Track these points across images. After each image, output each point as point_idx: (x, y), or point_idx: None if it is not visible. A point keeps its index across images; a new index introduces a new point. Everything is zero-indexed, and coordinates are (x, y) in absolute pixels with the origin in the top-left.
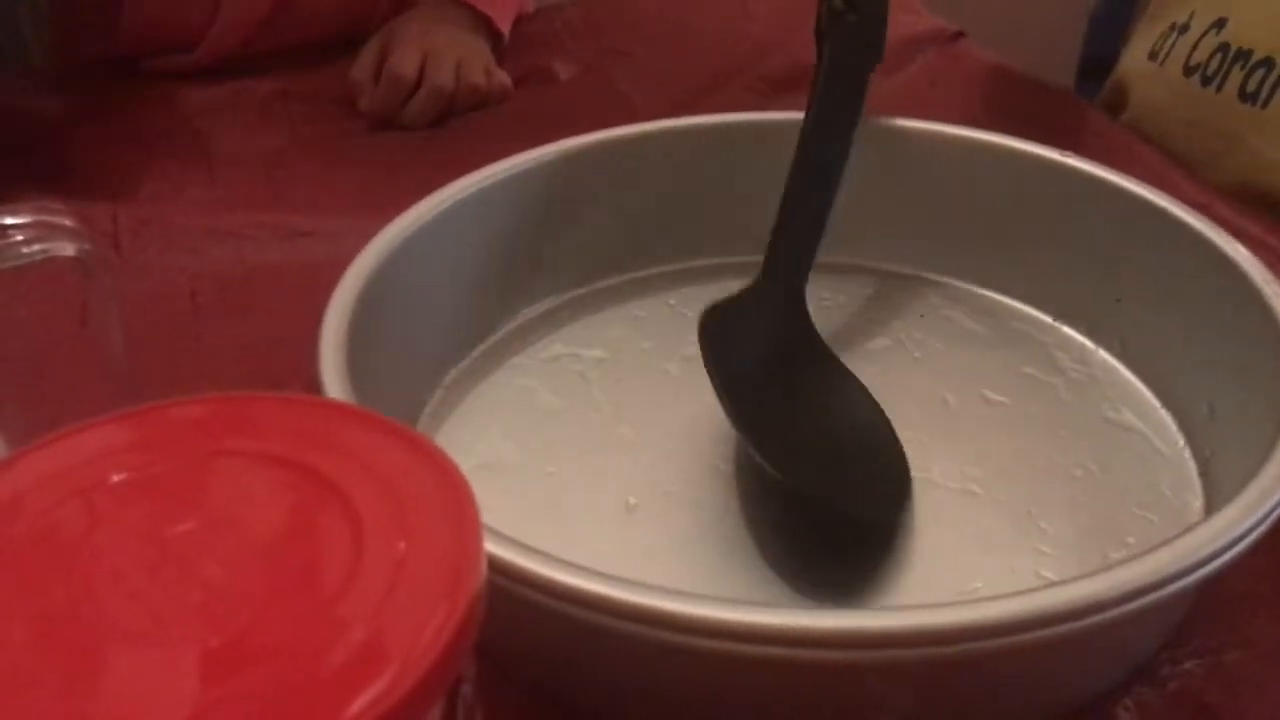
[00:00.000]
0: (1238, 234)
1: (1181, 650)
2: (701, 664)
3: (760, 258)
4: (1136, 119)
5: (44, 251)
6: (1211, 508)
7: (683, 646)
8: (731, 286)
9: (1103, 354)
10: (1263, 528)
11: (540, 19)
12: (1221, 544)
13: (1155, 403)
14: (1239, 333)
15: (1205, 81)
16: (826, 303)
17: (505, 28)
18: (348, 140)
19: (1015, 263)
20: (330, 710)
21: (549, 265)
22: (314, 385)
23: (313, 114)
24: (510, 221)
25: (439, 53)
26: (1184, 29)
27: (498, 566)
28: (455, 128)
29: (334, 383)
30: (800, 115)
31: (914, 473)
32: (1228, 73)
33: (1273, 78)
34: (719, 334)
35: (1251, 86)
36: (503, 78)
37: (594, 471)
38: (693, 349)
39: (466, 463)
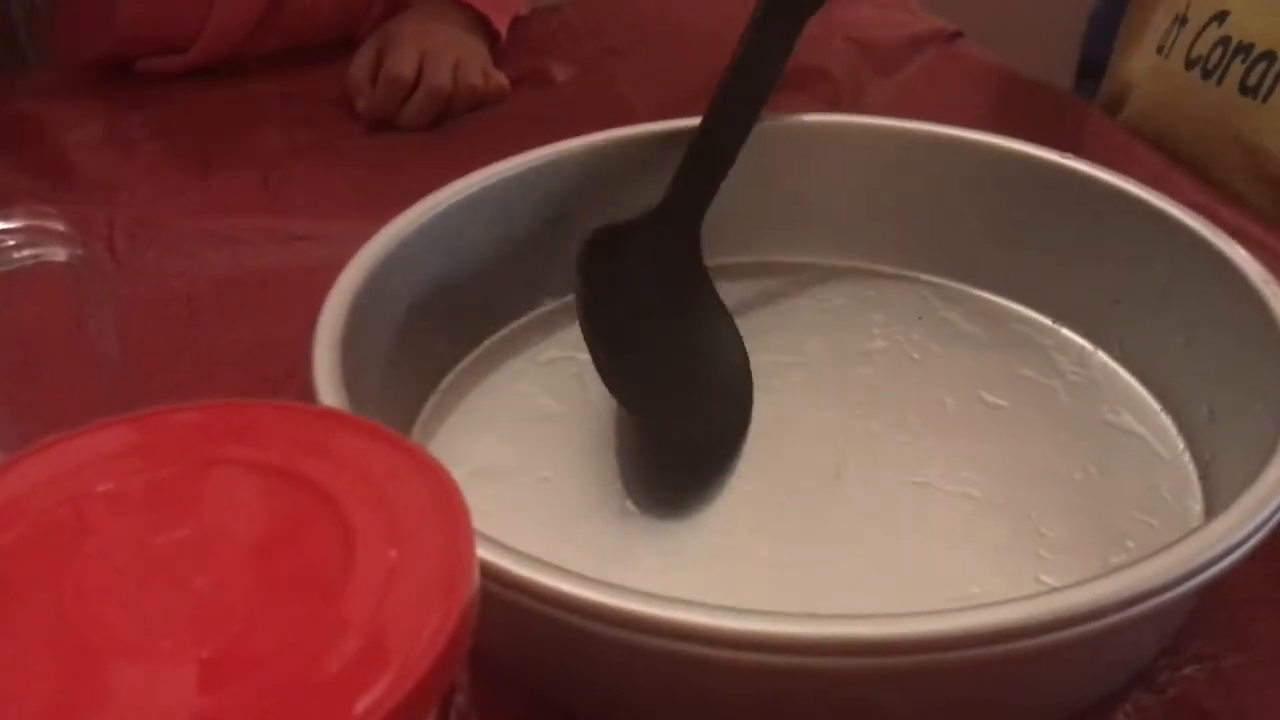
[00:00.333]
0: (1238, 234)
1: (1181, 656)
2: (698, 671)
3: (756, 259)
4: (1138, 113)
5: (36, 257)
6: (1212, 511)
7: (678, 654)
8: (726, 288)
9: (1102, 356)
10: (1262, 533)
11: (537, 20)
12: (1221, 549)
13: (1155, 406)
14: (1238, 335)
15: (1206, 74)
16: (824, 305)
17: (503, 28)
18: (344, 142)
19: (1014, 265)
20: (323, 719)
21: (545, 268)
22: (309, 390)
23: (309, 116)
24: (506, 225)
25: (437, 53)
26: (1184, 21)
27: (493, 573)
28: (452, 129)
29: (328, 389)
30: (799, 117)
31: (913, 477)
32: (1228, 66)
33: (1274, 71)
34: (600, 261)
35: (1253, 80)
36: (500, 79)
37: (590, 476)
38: None
39: (462, 467)
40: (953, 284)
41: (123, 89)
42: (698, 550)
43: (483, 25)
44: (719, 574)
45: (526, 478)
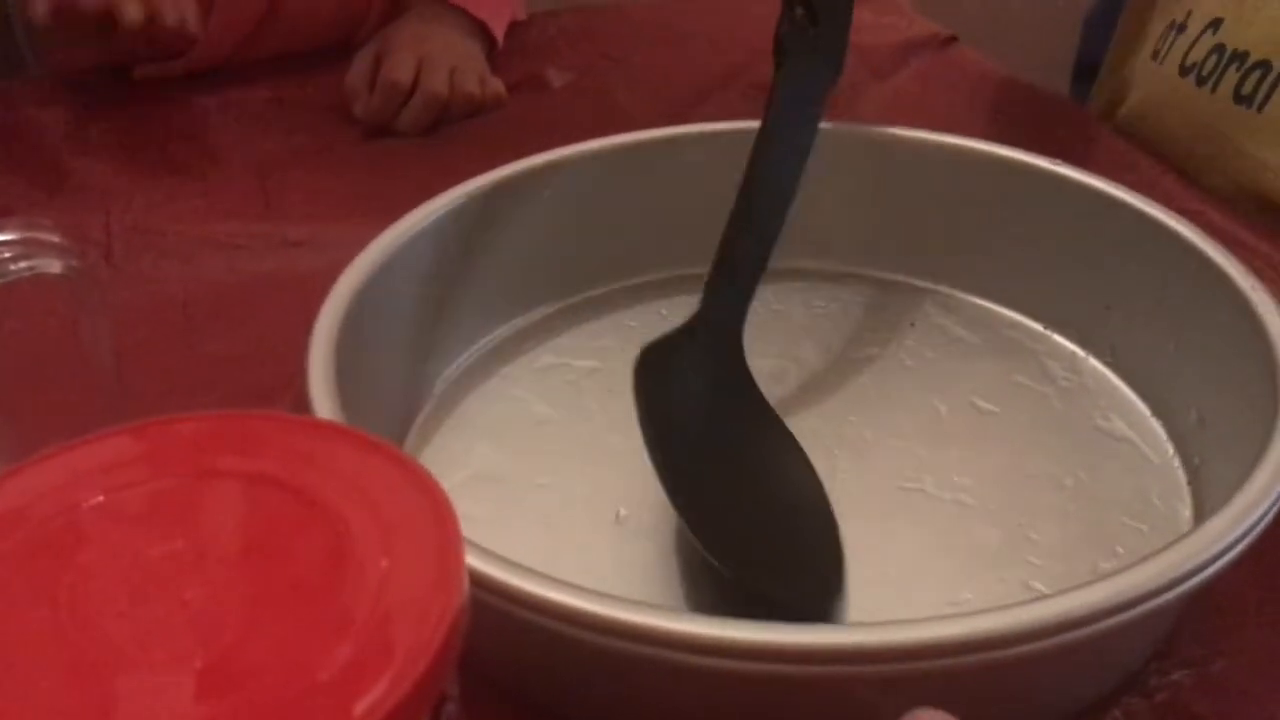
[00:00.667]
0: (1230, 240)
1: (1170, 660)
2: (690, 680)
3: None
4: (1134, 116)
5: (31, 269)
6: (1201, 516)
7: (670, 662)
8: None
9: (1093, 362)
10: (1250, 538)
11: (534, 25)
12: (1209, 555)
13: (1145, 411)
14: (1228, 341)
15: (1200, 81)
16: (818, 310)
17: (500, 34)
18: (341, 148)
19: (1006, 271)
20: None
21: (540, 274)
22: (304, 398)
23: (306, 122)
24: (501, 231)
25: (434, 59)
26: (1181, 28)
27: (484, 582)
28: (448, 135)
29: (322, 398)
30: None
31: (905, 484)
32: (1223, 73)
33: (1269, 80)
34: (653, 384)
35: (1247, 89)
36: (497, 85)
37: (584, 483)
38: None
39: (457, 474)
40: (945, 290)
41: (120, 95)
42: (689, 557)
43: (480, 31)
44: (709, 580)
45: (521, 484)
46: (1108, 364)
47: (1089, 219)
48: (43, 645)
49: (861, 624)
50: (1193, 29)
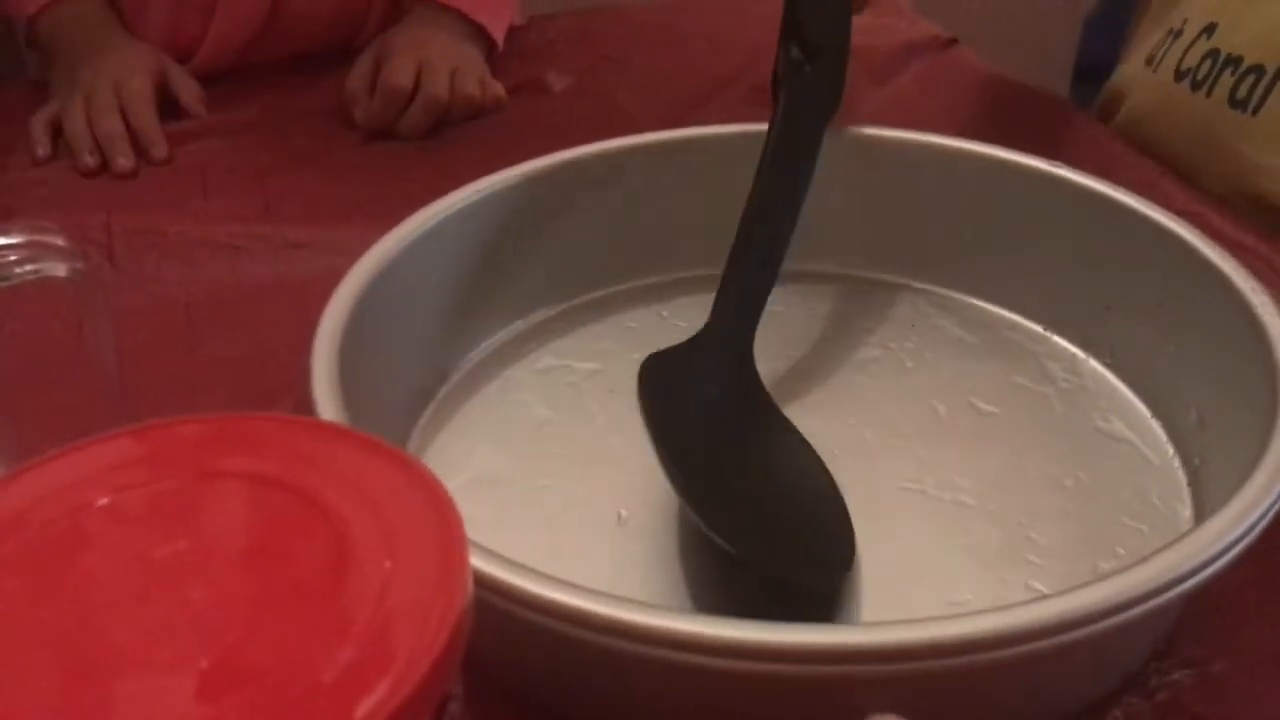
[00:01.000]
0: (1229, 242)
1: (1170, 660)
2: (692, 680)
3: None
4: (1131, 121)
5: (36, 271)
6: (1201, 517)
7: (673, 662)
8: None
9: (1093, 363)
10: (1250, 538)
11: (534, 28)
12: (1209, 555)
13: (1145, 412)
14: (1227, 342)
15: (1195, 86)
16: (817, 312)
17: (499, 36)
18: (342, 152)
19: (1006, 272)
20: None
21: (541, 277)
22: (306, 400)
23: (307, 126)
24: (502, 234)
25: (434, 63)
26: (1178, 34)
27: (488, 584)
28: (449, 139)
29: (326, 400)
30: None
31: (906, 485)
32: (1217, 78)
33: (1262, 85)
34: (659, 388)
35: (1242, 93)
36: (497, 88)
37: (586, 484)
38: None
39: (459, 476)
40: (945, 291)
41: None
42: (690, 557)
43: (480, 34)
44: (710, 581)
45: (523, 487)
46: (1107, 365)
47: (1089, 221)
48: (46, 646)
49: (863, 624)
50: (1187, 34)
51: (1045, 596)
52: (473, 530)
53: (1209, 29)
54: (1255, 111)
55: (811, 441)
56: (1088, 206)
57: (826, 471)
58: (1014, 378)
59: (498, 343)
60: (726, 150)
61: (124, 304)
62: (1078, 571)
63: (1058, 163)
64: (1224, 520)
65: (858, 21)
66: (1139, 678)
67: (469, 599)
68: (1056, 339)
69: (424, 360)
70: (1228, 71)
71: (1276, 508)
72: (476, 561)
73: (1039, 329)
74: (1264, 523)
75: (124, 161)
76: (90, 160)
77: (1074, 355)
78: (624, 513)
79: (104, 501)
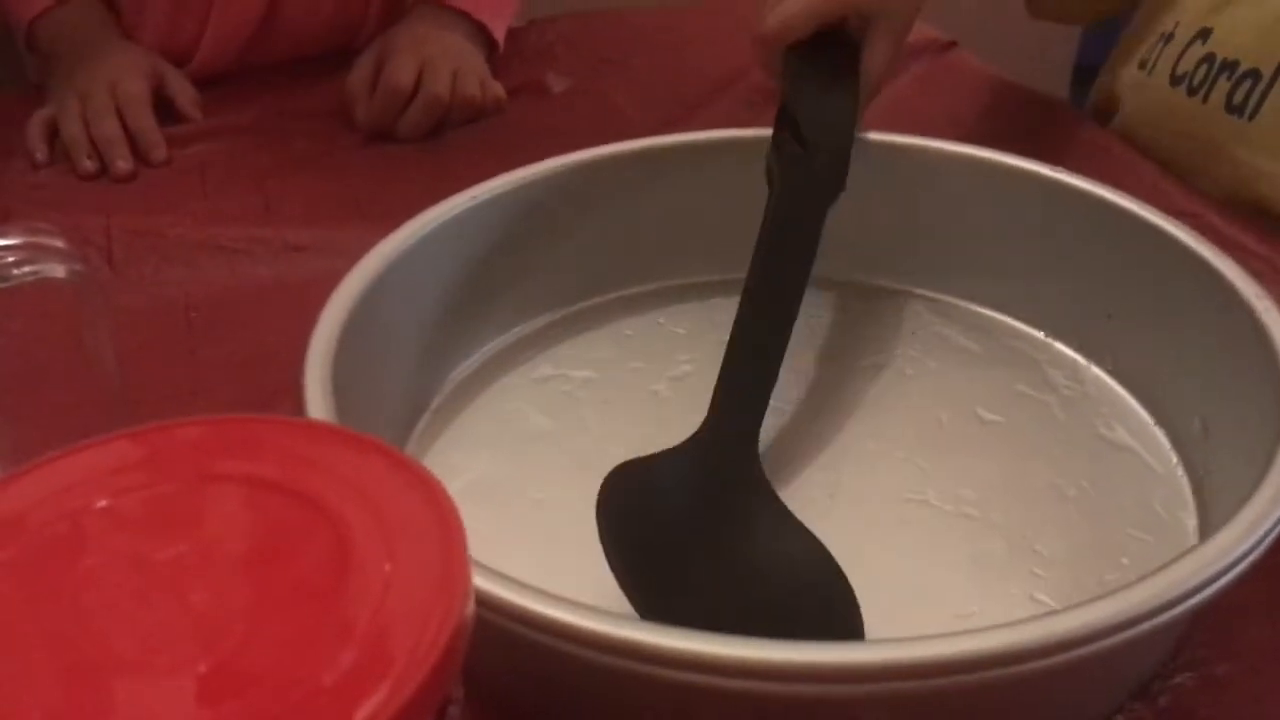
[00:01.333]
0: (1230, 244)
1: (1173, 664)
2: (692, 698)
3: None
4: (1127, 127)
5: (35, 273)
6: (1206, 526)
7: (672, 681)
8: (721, 304)
9: (1095, 370)
10: (1259, 551)
11: (534, 31)
12: (1217, 569)
13: (1148, 419)
14: (1231, 349)
15: (1192, 91)
16: (817, 320)
17: (500, 36)
18: (341, 154)
19: (1007, 278)
20: None
21: (538, 284)
22: (300, 408)
23: (306, 128)
24: (497, 241)
25: (435, 63)
26: (1169, 38)
27: (481, 599)
28: (448, 141)
29: (319, 407)
30: None
31: (909, 495)
32: (1214, 83)
33: (1259, 89)
34: (635, 506)
35: (1238, 98)
36: (497, 89)
37: (583, 495)
38: (683, 369)
39: (454, 485)
40: (946, 298)
41: None
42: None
43: (481, 34)
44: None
45: (519, 498)
46: (1110, 372)
47: (1090, 226)
48: (45, 650)
49: (870, 641)
50: (1180, 39)
51: (1052, 612)
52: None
53: (1203, 34)
54: (1252, 116)
55: (812, 451)
56: (1089, 212)
57: (839, 575)
58: (1016, 385)
59: (494, 350)
60: (726, 156)
61: (123, 306)
62: (1083, 583)
63: (1059, 168)
64: (1231, 535)
65: None
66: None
67: (470, 601)
68: (1058, 346)
69: (420, 367)
70: (1224, 76)
71: None
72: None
73: (1040, 336)
74: (1273, 535)
75: (123, 164)
76: (89, 164)
77: (1076, 362)
78: None
79: (103, 504)
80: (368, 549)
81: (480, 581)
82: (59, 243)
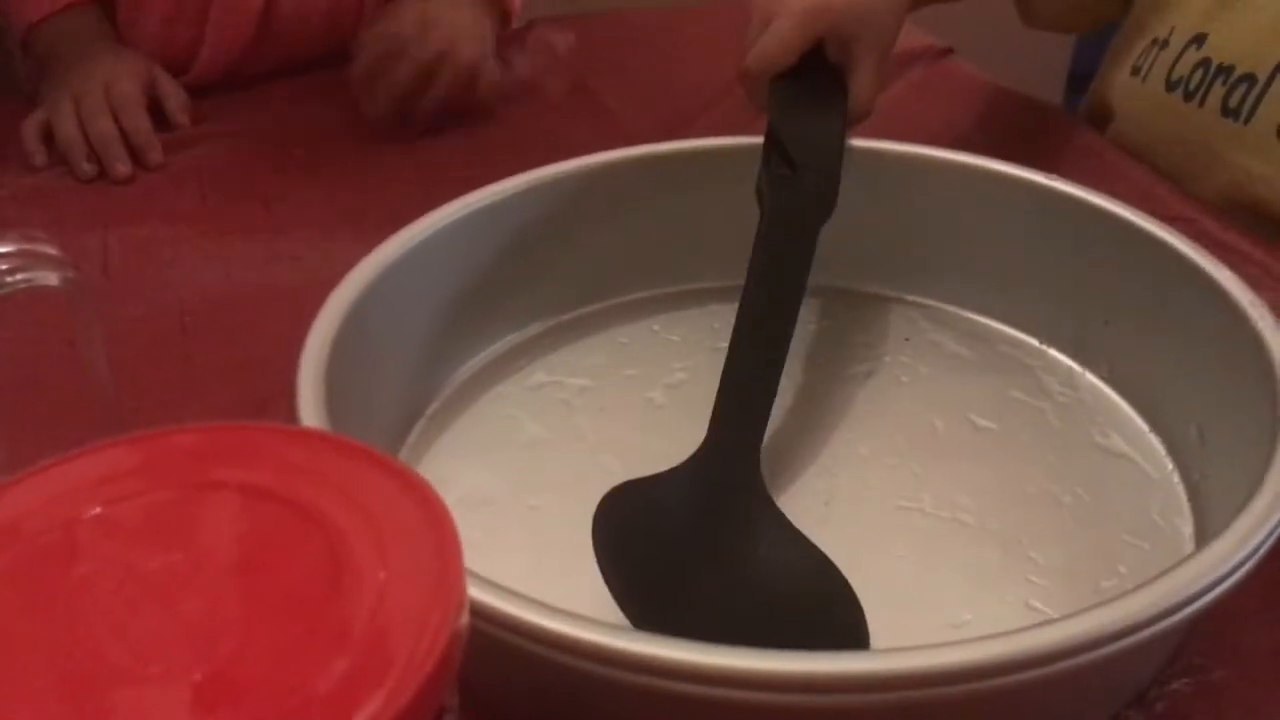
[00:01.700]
0: (1224, 249)
1: (1169, 670)
2: (689, 708)
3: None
4: (1122, 133)
5: (28, 281)
6: (1202, 533)
7: (669, 691)
8: (716, 310)
9: (1090, 377)
10: (1255, 558)
11: (532, 35)
12: (1214, 577)
13: (1144, 426)
14: (1226, 356)
15: (1187, 97)
16: (810, 327)
17: (514, 4)
18: (338, 160)
19: (1002, 285)
20: None
21: (532, 291)
22: (293, 417)
23: (303, 135)
24: (492, 248)
25: (435, 20)
26: (1164, 44)
27: (475, 609)
28: (444, 145)
29: (312, 415)
30: None
31: (903, 502)
32: (1209, 87)
33: (1254, 93)
34: (633, 526)
35: (1234, 102)
36: (491, 73)
37: (578, 504)
38: (678, 376)
39: (448, 495)
40: (940, 305)
41: None
42: None
43: (494, 4)
44: None
45: (514, 506)
46: (1105, 379)
47: (1085, 233)
48: (39, 659)
49: (869, 652)
50: (1175, 44)
51: (1050, 621)
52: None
53: (1198, 39)
54: (1248, 120)
55: (807, 458)
56: (1083, 218)
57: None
58: (1011, 392)
59: (488, 358)
60: (721, 163)
61: (118, 312)
62: (1079, 591)
63: (1053, 175)
64: (1229, 540)
65: None
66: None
67: (464, 610)
68: (1053, 353)
69: (414, 375)
70: (1219, 81)
71: None
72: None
73: (1035, 343)
74: (1270, 542)
75: (121, 167)
76: (88, 168)
77: (1071, 369)
78: None
79: (96, 512)
80: (362, 557)
81: (475, 591)
82: (52, 250)
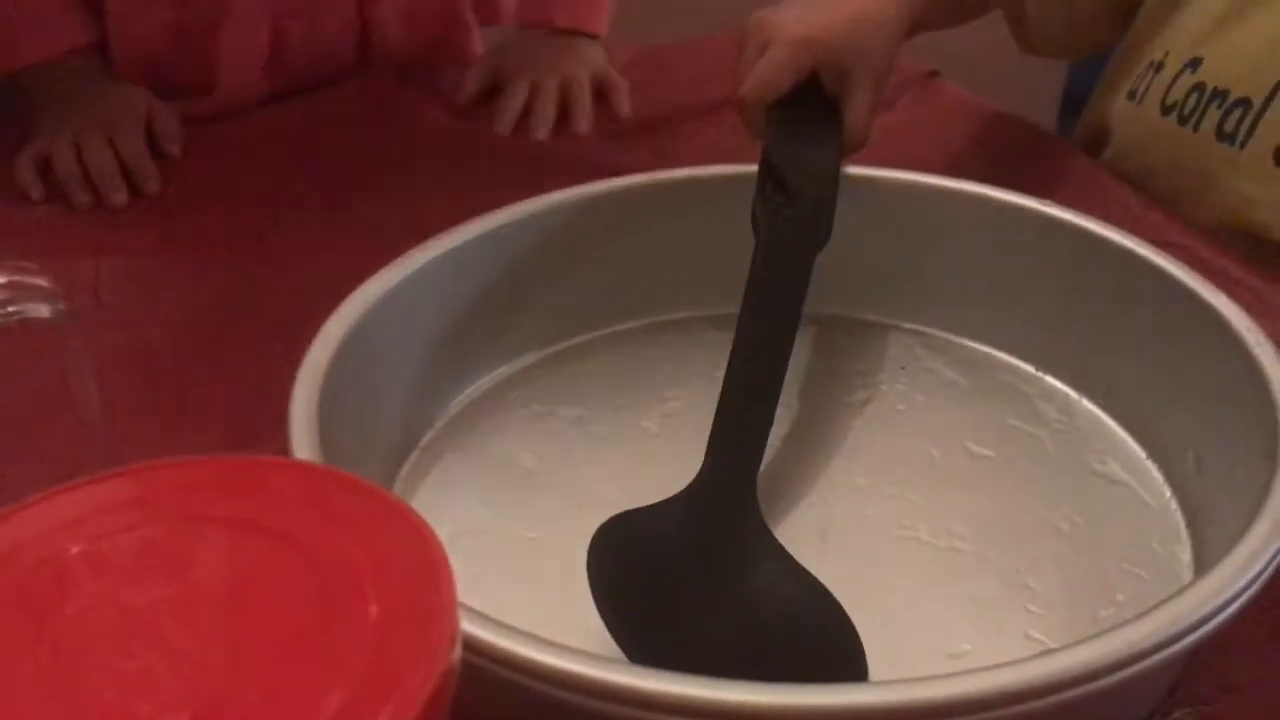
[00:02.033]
0: (1219, 275)
1: (1171, 700)
2: None
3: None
4: (1118, 156)
5: (19, 313)
6: (1200, 561)
7: None
8: (708, 338)
9: (1087, 404)
10: (1255, 587)
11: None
12: (1213, 607)
13: (1141, 454)
14: (1223, 383)
15: (1182, 120)
16: (805, 354)
17: (600, 28)
18: (332, 192)
19: (997, 311)
20: None
21: (525, 321)
22: (287, 450)
23: (300, 164)
24: (486, 279)
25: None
26: (1159, 67)
27: (470, 644)
28: (437, 175)
29: (305, 449)
30: None
31: (901, 531)
32: (1204, 111)
33: (1250, 117)
34: (617, 555)
35: (1229, 126)
36: (613, 79)
37: (574, 535)
38: (672, 405)
39: (442, 528)
40: (935, 332)
41: None
42: None
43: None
44: None
45: (508, 538)
46: (1101, 406)
47: (1080, 259)
48: (30, 694)
49: (868, 684)
50: (1170, 68)
51: (1050, 651)
52: (456, 585)
53: (1194, 63)
54: (1243, 144)
55: (804, 487)
56: (1079, 244)
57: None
58: (1007, 419)
59: (482, 388)
60: (708, 192)
61: (111, 345)
62: (1077, 620)
63: (1048, 201)
64: (1229, 569)
65: None
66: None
67: (457, 645)
68: (1049, 379)
69: (408, 406)
70: (1214, 105)
71: None
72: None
73: (1031, 369)
74: (1269, 570)
75: (118, 196)
76: (84, 198)
77: (1067, 396)
78: None
79: (87, 548)
80: (355, 592)
81: (468, 625)
82: (43, 282)
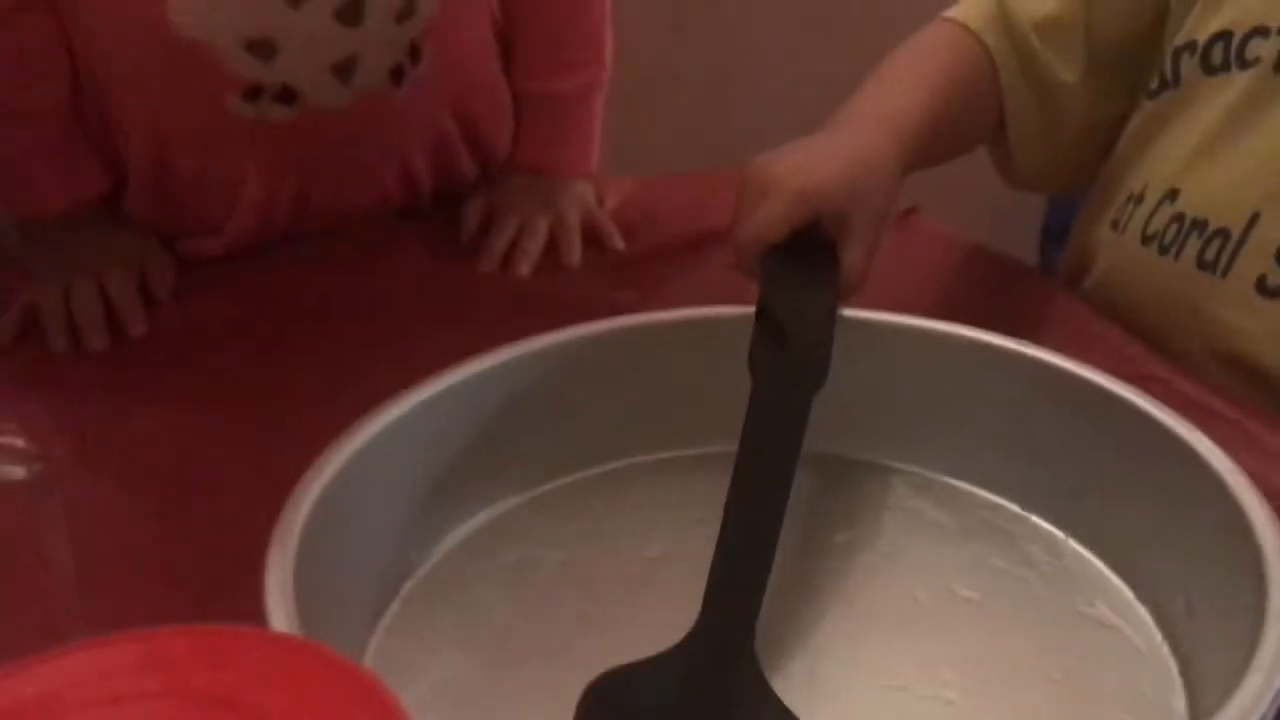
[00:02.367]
0: (1199, 409)
1: None
2: None
3: (726, 448)
4: (1101, 285)
5: None
6: (1195, 709)
7: None
8: (690, 480)
9: (1074, 545)
10: None
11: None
12: None
13: (1130, 596)
14: (1207, 524)
15: (1163, 250)
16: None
17: (589, 168)
18: (316, 338)
19: (982, 452)
20: None
21: (506, 467)
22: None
23: (294, 307)
24: (467, 424)
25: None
26: (1139, 200)
27: None
28: (423, 320)
29: (279, 611)
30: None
31: (890, 681)
32: (1185, 241)
33: (1229, 247)
34: (611, 712)
35: (1210, 256)
36: (603, 222)
37: (558, 690)
38: (657, 549)
39: (420, 683)
40: (920, 471)
41: None
42: None
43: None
44: None
45: (491, 696)
46: (1088, 546)
47: (1063, 399)
48: None
49: None
50: (1150, 200)
51: None
52: None
53: (1172, 194)
54: (1224, 274)
55: (789, 636)
56: (1061, 385)
57: None
58: (993, 560)
59: (463, 535)
60: (694, 334)
61: (93, 498)
62: None
63: (1029, 343)
64: None
65: None
66: None
67: None
68: (1035, 519)
69: (388, 557)
70: (1194, 235)
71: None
72: None
73: (1016, 509)
74: None
75: (98, 340)
76: (61, 342)
77: (1053, 536)
78: None
79: None
80: None
81: None
82: (20, 442)
